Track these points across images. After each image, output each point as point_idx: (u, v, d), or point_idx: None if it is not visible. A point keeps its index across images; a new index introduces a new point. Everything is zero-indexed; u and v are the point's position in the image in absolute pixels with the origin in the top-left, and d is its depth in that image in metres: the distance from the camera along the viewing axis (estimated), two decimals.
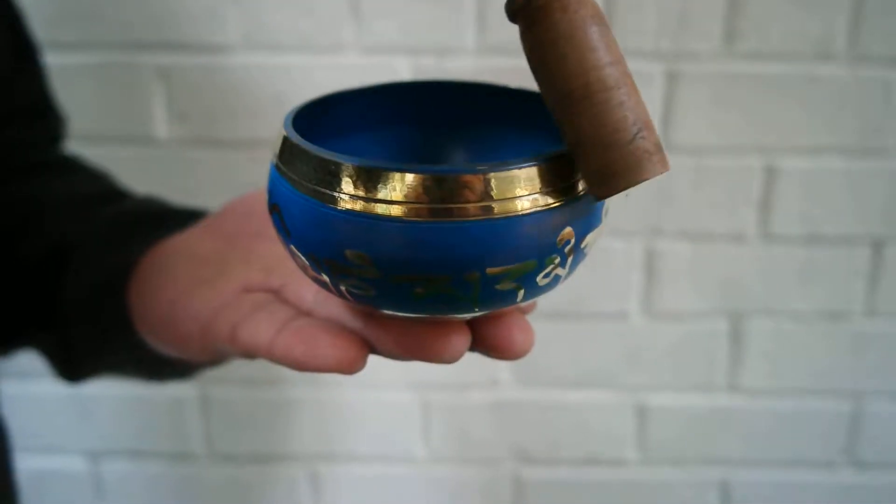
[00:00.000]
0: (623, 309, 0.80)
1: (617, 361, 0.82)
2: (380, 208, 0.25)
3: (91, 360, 0.47)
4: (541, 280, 0.27)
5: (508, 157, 0.26)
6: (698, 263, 0.79)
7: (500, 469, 0.87)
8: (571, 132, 0.25)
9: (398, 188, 0.25)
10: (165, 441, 0.86)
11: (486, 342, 0.30)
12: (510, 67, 0.72)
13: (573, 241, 0.27)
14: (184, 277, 0.39)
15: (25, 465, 0.79)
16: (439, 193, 0.25)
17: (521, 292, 0.27)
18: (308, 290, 0.34)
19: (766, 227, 0.77)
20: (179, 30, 0.73)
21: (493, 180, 0.25)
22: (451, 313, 0.28)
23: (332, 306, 0.32)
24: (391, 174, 0.25)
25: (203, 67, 0.74)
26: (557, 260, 0.27)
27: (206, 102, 0.75)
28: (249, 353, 0.34)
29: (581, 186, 0.27)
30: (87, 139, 0.72)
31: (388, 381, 0.83)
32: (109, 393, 0.84)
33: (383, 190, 0.25)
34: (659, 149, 0.24)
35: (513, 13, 0.26)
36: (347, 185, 0.26)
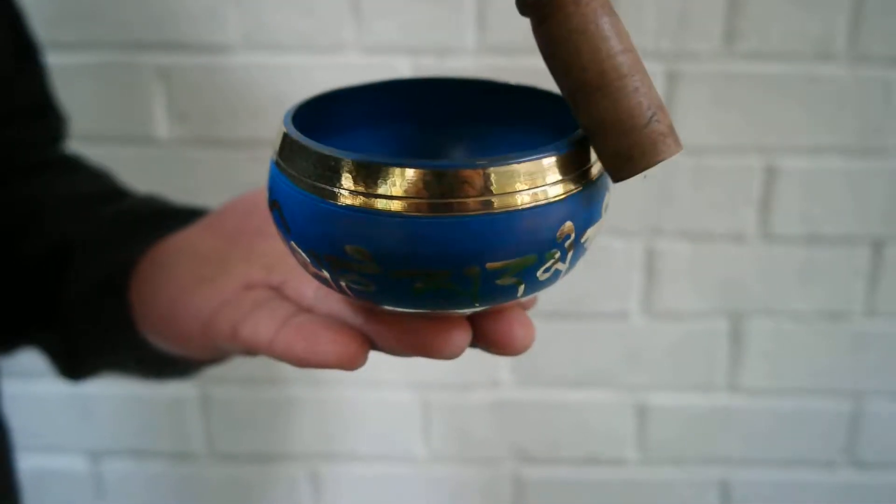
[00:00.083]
0: (623, 309, 0.80)
1: (617, 361, 0.82)
2: (380, 203, 0.25)
3: (92, 358, 0.47)
4: (541, 275, 0.27)
5: (508, 153, 0.26)
6: (698, 263, 0.79)
7: (500, 469, 0.87)
8: (589, 119, 0.26)
9: (398, 183, 0.25)
10: (166, 440, 0.86)
11: (486, 338, 0.30)
12: (510, 67, 0.72)
13: (573, 235, 0.27)
14: (185, 275, 0.39)
15: (26, 464, 0.79)
16: (439, 188, 0.25)
17: (522, 287, 0.27)
18: (309, 287, 0.34)
19: (766, 227, 0.77)
20: (180, 30, 0.73)
21: (492, 175, 0.25)
22: (451, 308, 0.28)
23: (332, 303, 0.32)
24: (391, 169, 0.25)
25: (203, 67, 0.74)
26: (557, 254, 0.27)
27: (207, 102, 0.75)
28: (251, 350, 0.34)
29: (581, 181, 0.27)
30: (88, 139, 0.72)
31: (388, 380, 0.83)
32: (110, 392, 0.84)
33: (383, 185, 0.25)
34: (672, 130, 0.25)
35: (524, 8, 0.26)
36: (347, 181, 0.26)
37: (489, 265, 0.26)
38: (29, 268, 0.47)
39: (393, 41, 0.72)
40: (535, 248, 0.26)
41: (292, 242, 0.28)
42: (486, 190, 0.25)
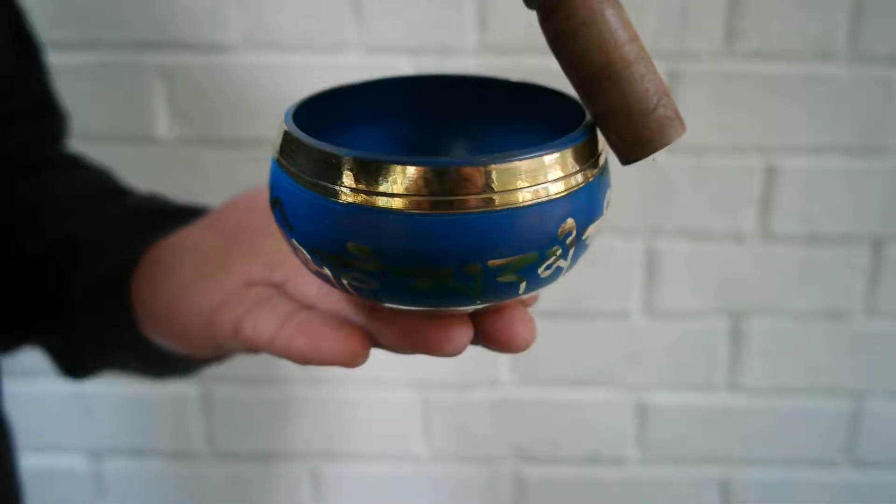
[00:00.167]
0: (623, 308, 0.80)
1: (617, 360, 0.82)
2: (381, 201, 0.25)
3: (94, 356, 0.47)
4: (542, 272, 0.27)
5: (510, 150, 0.26)
6: (699, 262, 0.79)
7: (500, 467, 0.87)
8: (598, 107, 0.27)
9: (399, 181, 0.25)
10: (167, 439, 0.86)
11: (488, 335, 0.30)
12: (511, 67, 0.72)
13: (575, 232, 0.27)
14: (186, 273, 0.39)
15: (27, 463, 0.79)
16: (440, 186, 0.25)
17: (523, 284, 0.27)
18: (310, 285, 0.34)
19: (766, 227, 0.77)
20: (181, 29, 0.73)
21: (493, 172, 0.25)
22: (452, 306, 0.28)
23: (334, 300, 0.32)
24: (392, 167, 0.25)
25: (205, 67, 0.74)
26: (559, 252, 0.27)
27: (208, 102, 0.75)
28: (252, 347, 0.34)
29: (582, 178, 0.27)
30: (89, 139, 0.72)
31: (389, 379, 0.83)
32: (111, 391, 0.84)
33: (384, 183, 0.25)
34: (677, 114, 0.27)
35: (531, 1, 0.27)
36: (348, 178, 0.26)
37: (490, 262, 0.26)
38: (30, 267, 0.47)
39: (394, 41, 0.72)
40: (537, 245, 0.26)
41: (294, 240, 0.28)
42: (488, 187, 0.25)
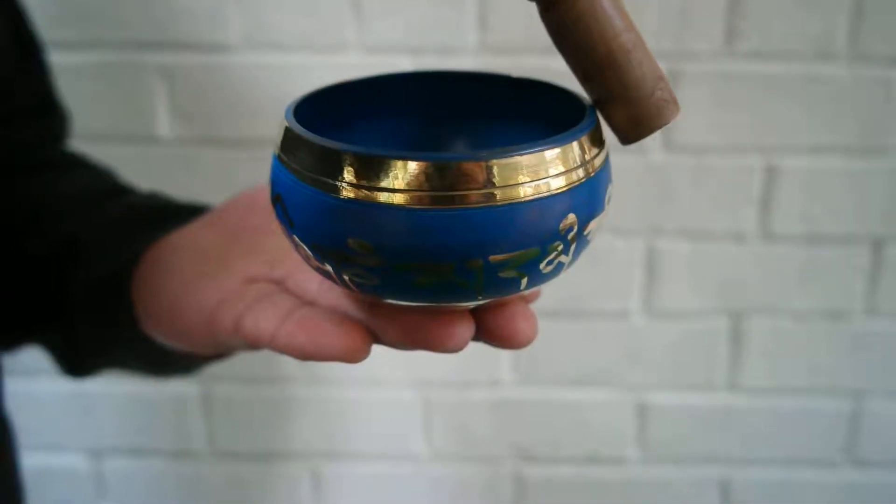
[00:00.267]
0: (623, 308, 0.80)
1: (617, 360, 0.82)
2: (382, 197, 0.25)
3: (95, 355, 0.47)
4: (544, 267, 0.27)
5: (511, 145, 0.26)
6: (699, 262, 0.79)
7: (501, 467, 0.87)
8: (599, 92, 0.28)
9: (400, 176, 0.25)
10: (167, 439, 0.86)
11: (489, 331, 0.30)
12: (511, 66, 0.72)
13: (576, 227, 0.27)
14: (187, 271, 0.39)
15: (28, 462, 0.79)
16: (441, 181, 0.25)
17: (525, 280, 0.27)
18: (311, 281, 0.34)
19: (766, 227, 0.78)
20: (182, 29, 0.73)
21: (494, 167, 0.25)
22: (454, 302, 0.28)
23: (335, 297, 0.32)
24: (393, 162, 0.25)
25: (205, 67, 0.74)
26: (560, 247, 0.27)
27: (209, 102, 0.75)
28: (254, 344, 0.34)
29: (583, 173, 0.27)
30: (90, 138, 0.72)
31: (389, 379, 0.83)
32: (111, 391, 0.84)
33: (385, 178, 0.25)
34: (673, 96, 0.28)
35: None
36: (349, 174, 0.26)
37: (492, 258, 0.26)
38: (32, 266, 0.47)
39: (394, 41, 0.72)
40: (538, 240, 0.26)
41: (295, 236, 0.28)
42: (489, 182, 0.25)
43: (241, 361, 0.66)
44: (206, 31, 0.73)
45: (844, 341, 0.82)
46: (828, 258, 0.79)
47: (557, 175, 0.26)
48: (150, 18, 0.73)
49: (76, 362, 0.48)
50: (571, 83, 0.31)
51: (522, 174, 0.25)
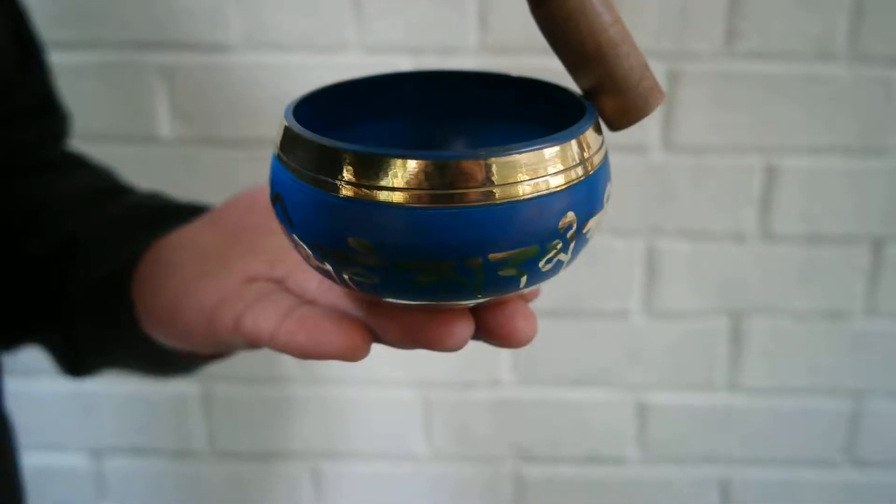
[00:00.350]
0: (623, 307, 0.80)
1: (617, 360, 0.83)
2: (381, 195, 0.25)
3: (95, 355, 0.47)
4: (543, 266, 0.27)
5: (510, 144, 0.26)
6: (699, 262, 0.79)
7: (501, 467, 0.87)
8: (590, 83, 0.30)
9: (399, 175, 0.25)
10: (168, 438, 0.86)
11: (489, 330, 0.30)
12: (512, 67, 0.72)
13: (575, 225, 0.27)
14: (187, 270, 0.39)
15: (28, 462, 0.79)
16: (440, 179, 0.25)
17: (524, 278, 0.27)
18: (311, 281, 0.34)
19: (766, 227, 0.78)
20: (182, 30, 0.73)
21: (493, 166, 0.25)
22: (453, 300, 0.28)
23: (335, 296, 0.33)
24: (392, 161, 0.25)
25: (205, 67, 0.74)
26: (559, 245, 0.27)
27: (209, 102, 0.75)
28: (253, 343, 0.34)
29: (582, 171, 0.27)
30: (91, 138, 0.72)
31: (389, 379, 0.83)
32: (112, 390, 0.84)
33: (385, 177, 0.25)
34: (657, 84, 0.30)
35: None
36: (349, 173, 0.26)
37: (491, 256, 0.26)
38: (32, 265, 0.47)
39: (394, 41, 0.72)
40: (537, 238, 0.26)
41: (294, 236, 0.28)
42: (488, 180, 0.25)
43: (241, 361, 0.66)
44: (206, 31, 0.73)
45: (844, 341, 0.82)
46: (828, 258, 0.79)
47: (556, 173, 0.26)
48: (150, 18, 0.73)
49: (76, 362, 0.48)
50: (571, 82, 0.31)
51: (521, 172, 0.26)
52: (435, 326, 0.29)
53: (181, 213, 0.46)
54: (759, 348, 0.82)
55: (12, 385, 0.79)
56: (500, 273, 0.26)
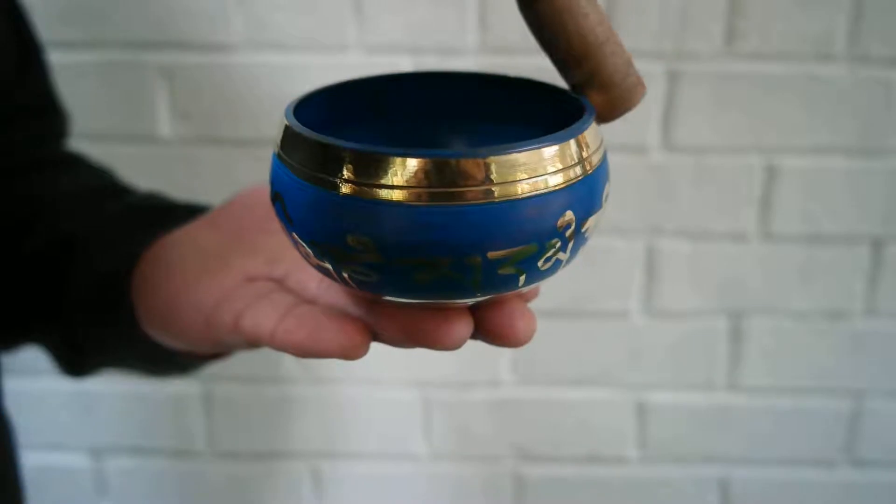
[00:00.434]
0: (624, 307, 0.81)
1: (617, 360, 0.83)
2: (381, 193, 0.25)
3: (95, 354, 0.47)
4: (542, 264, 0.27)
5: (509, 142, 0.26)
6: (699, 262, 0.79)
7: (500, 467, 0.87)
8: (577, 79, 0.31)
9: (399, 173, 0.25)
10: (168, 438, 0.86)
11: (488, 329, 0.30)
12: (512, 67, 0.72)
13: (574, 225, 0.27)
14: (187, 269, 0.39)
15: (28, 461, 0.79)
16: (440, 178, 0.25)
17: (523, 277, 0.27)
18: (311, 280, 0.34)
19: (766, 227, 0.78)
20: (182, 29, 0.73)
21: (493, 164, 0.25)
22: (453, 298, 0.28)
23: (335, 294, 0.33)
24: (392, 159, 0.25)
25: (206, 66, 0.74)
26: (558, 244, 0.27)
27: (209, 101, 0.75)
28: (253, 341, 0.34)
29: (581, 171, 0.27)
30: (91, 138, 0.73)
31: (389, 379, 0.83)
32: (112, 390, 0.84)
33: (384, 175, 0.25)
34: (640, 78, 0.31)
35: None
36: (348, 171, 0.26)
37: (490, 254, 0.26)
38: (31, 265, 0.47)
39: (395, 41, 0.72)
40: (536, 237, 0.26)
41: (294, 234, 0.28)
42: (487, 179, 0.25)
43: (241, 361, 0.66)
44: (206, 31, 0.73)
45: (844, 341, 0.82)
46: (828, 258, 0.79)
47: (555, 172, 0.26)
48: (150, 18, 0.73)
49: (76, 361, 0.48)
50: (560, 80, 0.31)
51: (520, 171, 0.26)
52: (434, 325, 0.29)
53: (180, 213, 0.46)
54: (759, 348, 0.82)
55: (12, 385, 0.79)
56: (499, 271, 0.26)
